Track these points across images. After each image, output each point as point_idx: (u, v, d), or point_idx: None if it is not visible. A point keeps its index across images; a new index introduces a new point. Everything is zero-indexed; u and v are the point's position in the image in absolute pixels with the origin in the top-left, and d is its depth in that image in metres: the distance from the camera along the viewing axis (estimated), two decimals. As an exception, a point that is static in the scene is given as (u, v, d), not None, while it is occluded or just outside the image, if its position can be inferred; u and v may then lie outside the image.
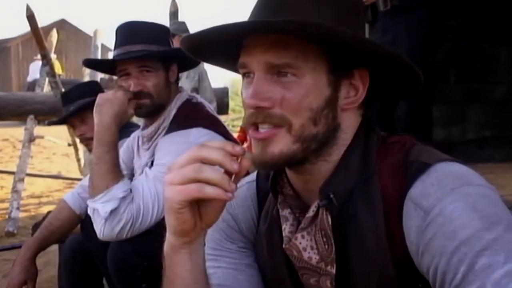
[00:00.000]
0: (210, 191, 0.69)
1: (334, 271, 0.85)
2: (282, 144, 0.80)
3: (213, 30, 0.78)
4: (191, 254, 0.78)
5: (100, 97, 1.62)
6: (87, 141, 2.34)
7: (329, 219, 0.83)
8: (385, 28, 2.80)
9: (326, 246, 0.85)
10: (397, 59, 0.80)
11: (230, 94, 5.58)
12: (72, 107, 2.35)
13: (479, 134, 4.42)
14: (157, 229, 1.56)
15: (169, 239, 0.78)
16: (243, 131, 3.67)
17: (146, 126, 1.77)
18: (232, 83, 15.62)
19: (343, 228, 0.84)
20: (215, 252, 0.98)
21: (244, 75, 0.84)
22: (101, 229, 1.50)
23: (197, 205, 0.74)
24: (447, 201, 0.73)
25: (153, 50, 1.66)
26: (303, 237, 0.87)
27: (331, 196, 0.82)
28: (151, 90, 1.65)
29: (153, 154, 1.69)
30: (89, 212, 1.54)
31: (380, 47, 0.79)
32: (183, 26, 4.00)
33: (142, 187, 1.54)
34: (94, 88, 2.44)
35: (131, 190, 1.53)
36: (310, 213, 0.86)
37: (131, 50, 1.65)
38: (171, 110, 1.70)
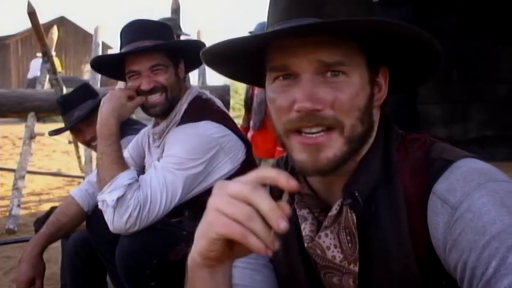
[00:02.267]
0: (253, 243, 0.64)
1: (357, 269, 0.85)
2: (335, 147, 0.79)
3: (258, 38, 0.78)
4: (214, 274, 0.72)
5: (103, 99, 1.67)
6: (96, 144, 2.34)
7: (354, 217, 0.82)
8: None
9: (350, 245, 0.84)
10: (426, 39, 0.79)
11: (230, 92, 5.56)
12: (77, 112, 2.35)
13: (481, 133, 4.42)
14: (167, 227, 1.56)
15: (193, 254, 0.72)
16: (244, 129, 3.65)
17: (157, 124, 1.78)
18: (232, 81, 15.61)
19: (366, 227, 0.83)
20: None
21: (276, 78, 0.81)
22: (111, 219, 1.50)
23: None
24: (475, 196, 0.73)
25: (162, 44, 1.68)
26: (326, 235, 0.86)
27: (356, 194, 0.82)
28: (164, 84, 1.67)
29: (163, 150, 1.69)
30: (100, 206, 1.55)
31: (413, 28, 0.78)
32: (177, 23, 4.00)
33: (150, 177, 1.56)
34: (90, 90, 2.47)
35: (137, 179, 1.55)
36: (333, 211, 0.85)
37: (139, 46, 1.66)
38: (182, 105, 1.72)
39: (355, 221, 0.82)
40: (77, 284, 2.00)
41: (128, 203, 1.48)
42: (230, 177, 1.62)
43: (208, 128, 1.63)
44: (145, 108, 1.71)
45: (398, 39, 0.79)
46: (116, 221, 1.49)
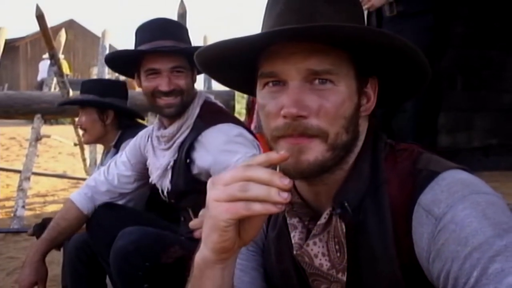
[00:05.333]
0: (259, 208, 0.67)
1: (345, 278, 0.86)
2: (316, 151, 0.80)
3: (248, 39, 0.78)
4: (224, 270, 0.76)
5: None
6: (82, 133, 2.48)
7: (343, 227, 0.83)
8: None
9: (338, 254, 0.85)
10: (412, 51, 0.81)
11: (236, 97, 5.58)
12: (81, 97, 2.46)
13: (485, 141, 4.41)
14: (162, 231, 1.57)
15: (204, 253, 0.75)
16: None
17: (163, 126, 1.75)
18: (238, 86, 15.57)
19: (354, 235, 0.85)
20: None
21: (266, 84, 0.82)
22: None
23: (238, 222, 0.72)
24: (458, 208, 0.74)
25: (184, 46, 1.65)
26: (315, 243, 0.87)
27: (346, 204, 0.83)
28: (183, 88, 1.65)
29: (175, 154, 1.68)
30: None
31: (401, 40, 0.79)
32: None
33: None
34: (121, 91, 2.51)
35: None
36: (322, 220, 0.86)
37: (164, 45, 1.62)
38: (194, 109, 1.70)
39: (344, 230, 0.83)
40: (78, 286, 2.02)
41: None
42: None
43: (238, 129, 1.62)
44: (159, 107, 1.67)
45: (384, 49, 0.80)
46: None
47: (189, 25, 5.08)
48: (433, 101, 2.78)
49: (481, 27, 4.16)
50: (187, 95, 1.67)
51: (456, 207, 0.75)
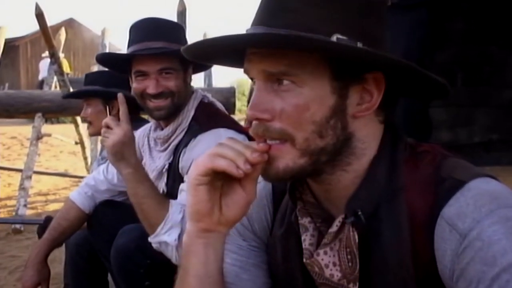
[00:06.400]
0: (222, 163, 0.74)
1: None
2: (287, 159, 0.76)
3: (211, 42, 0.79)
4: (207, 247, 0.80)
5: (112, 145, 1.51)
6: (88, 125, 2.44)
7: (356, 236, 0.78)
8: None
9: (350, 264, 0.81)
10: (402, 66, 0.76)
11: (237, 94, 5.59)
12: (84, 88, 2.43)
13: (486, 137, 4.41)
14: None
15: (188, 227, 0.81)
16: (248, 129, 3.66)
17: (159, 127, 1.72)
18: (238, 84, 15.62)
19: (367, 245, 0.80)
20: None
21: (251, 79, 0.81)
22: (175, 256, 1.47)
23: (219, 193, 0.79)
24: (485, 224, 0.69)
25: (174, 48, 1.57)
26: (325, 253, 0.83)
27: (359, 213, 0.78)
28: (173, 90, 1.59)
29: (171, 156, 1.66)
30: (156, 247, 1.50)
31: (379, 56, 0.74)
32: None
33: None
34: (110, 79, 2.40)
35: (184, 208, 1.49)
36: (334, 228, 0.81)
37: (152, 46, 1.58)
38: (189, 111, 1.65)
39: (357, 240, 0.78)
40: (79, 283, 2.02)
41: None
42: None
43: (232, 134, 1.55)
44: (149, 110, 1.64)
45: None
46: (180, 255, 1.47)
47: (189, 23, 5.08)
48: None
49: (482, 23, 4.15)
50: (179, 97, 1.62)
51: (483, 222, 0.69)
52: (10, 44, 21.12)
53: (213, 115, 1.67)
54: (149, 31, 1.61)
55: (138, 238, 1.52)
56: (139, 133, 1.87)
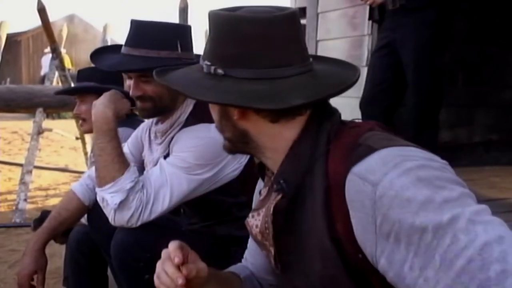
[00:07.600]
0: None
1: (273, 251, 0.98)
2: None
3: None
4: None
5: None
6: (81, 122, 2.41)
7: (275, 203, 0.93)
8: (393, 27, 2.80)
9: (267, 230, 0.97)
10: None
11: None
12: (78, 85, 2.39)
13: (486, 137, 4.41)
14: (160, 221, 1.58)
15: None
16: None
17: (159, 121, 1.76)
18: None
19: (292, 211, 0.93)
20: None
21: None
22: (112, 217, 1.53)
23: None
24: (393, 176, 0.77)
25: (153, 56, 1.56)
26: (253, 216, 1.02)
27: (281, 182, 0.91)
28: (151, 95, 1.60)
29: (166, 149, 1.69)
30: (98, 199, 1.56)
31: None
32: None
33: (154, 177, 1.55)
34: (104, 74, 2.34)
35: (138, 178, 1.55)
36: (261, 197, 1.02)
37: (132, 54, 1.59)
38: (188, 106, 1.68)
39: (273, 206, 0.93)
40: (79, 277, 2.04)
41: (130, 205, 1.50)
42: (236, 179, 1.64)
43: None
44: (137, 109, 1.68)
45: None
46: (117, 219, 1.52)
47: (191, 20, 5.09)
48: (434, 96, 2.78)
49: (482, 23, 4.14)
50: (160, 101, 1.61)
51: (390, 174, 0.77)
52: (12, 40, 21.12)
53: (208, 111, 1.67)
54: (134, 35, 1.61)
55: (138, 232, 1.53)
56: (142, 126, 1.93)
